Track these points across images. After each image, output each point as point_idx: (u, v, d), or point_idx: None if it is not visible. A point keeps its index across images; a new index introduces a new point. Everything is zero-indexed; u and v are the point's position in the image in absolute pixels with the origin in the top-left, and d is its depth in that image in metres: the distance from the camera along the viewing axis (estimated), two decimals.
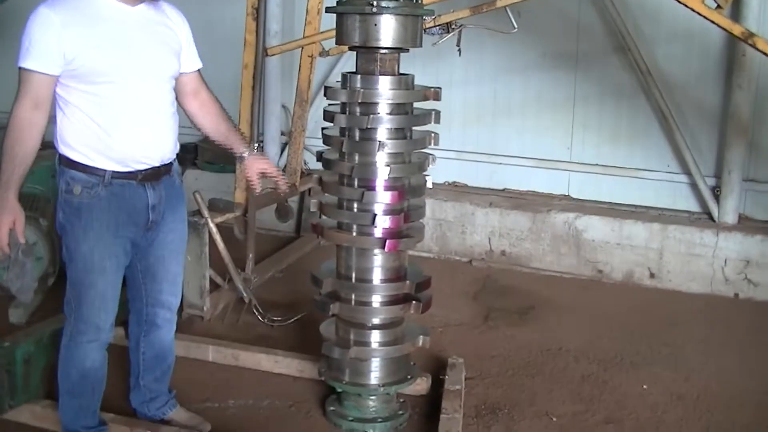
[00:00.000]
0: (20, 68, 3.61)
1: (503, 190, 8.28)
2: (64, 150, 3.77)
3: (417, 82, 4.16)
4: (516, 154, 8.27)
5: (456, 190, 8.26)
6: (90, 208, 3.77)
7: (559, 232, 7.48)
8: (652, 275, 7.20)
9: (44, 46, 3.56)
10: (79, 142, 3.72)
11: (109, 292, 3.92)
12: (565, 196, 8.10)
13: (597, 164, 8.01)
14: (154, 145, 3.84)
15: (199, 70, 4.19)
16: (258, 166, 4.18)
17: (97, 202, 3.77)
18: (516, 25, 6.34)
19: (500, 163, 8.34)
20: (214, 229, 5.95)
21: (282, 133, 8.93)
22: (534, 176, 8.23)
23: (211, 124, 4.23)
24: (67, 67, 3.60)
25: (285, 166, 7.76)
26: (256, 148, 4.50)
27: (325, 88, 4.15)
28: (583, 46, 7.93)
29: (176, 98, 4.12)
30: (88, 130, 3.71)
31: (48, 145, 3.79)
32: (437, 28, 6.11)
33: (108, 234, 3.82)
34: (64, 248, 3.88)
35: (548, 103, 8.15)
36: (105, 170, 3.75)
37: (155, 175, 3.89)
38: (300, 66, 6.93)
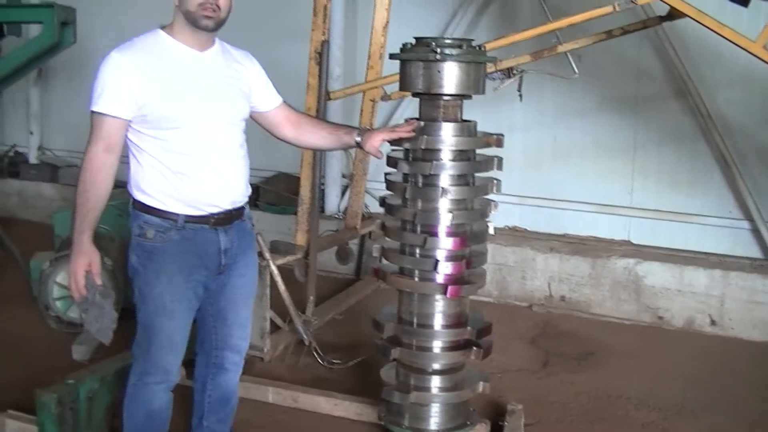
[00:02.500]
0: (92, 112, 3.68)
1: (563, 235, 8.25)
2: (138, 195, 3.83)
3: (478, 126, 4.18)
4: (576, 199, 8.25)
5: (516, 235, 8.25)
6: (163, 252, 3.82)
7: (619, 278, 7.43)
8: (713, 322, 7.11)
9: (116, 91, 3.63)
10: (153, 188, 3.78)
11: (178, 336, 3.96)
12: (625, 241, 8.05)
13: (657, 209, 7.96)
14: (225, 188, 3.90)
15: (284, 101, 4.27)
16: (376, 140, 4.11)
17: (170, 245, 3.82)
18: (576, 70, 6.36)
19: (560, 208, 8.33)
20: (275, 271, 5.99)
21: (343, 176, 9.01)
22: (594, 221, 8.19)
23: (313, 136, 4.29)
24: (139, 112, 3.67)
25: (346, 209, 7.82)
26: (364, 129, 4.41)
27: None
28: (643, 91, 7.92)
29: (272, 133, 4.26)
30: (161, 175, 3.76)
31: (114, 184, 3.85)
32: (498, 73, 6.15)
33: (180, 277, 3.86)
34: (135, 291, 3.92)
35: (608, 148, 8.13)
36: (178, 214, 3.80)
37: (227, 219, 3.94)
38: (362, 110, 7.01)
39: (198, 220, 3.84)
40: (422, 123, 4.08)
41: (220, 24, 3.81)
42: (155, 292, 3.84)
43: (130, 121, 3.70)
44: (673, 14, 5.78)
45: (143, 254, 3.84)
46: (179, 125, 3.73)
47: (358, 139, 4.15)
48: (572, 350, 6.61)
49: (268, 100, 4.20)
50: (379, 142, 4.10)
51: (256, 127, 4.27)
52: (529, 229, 8.43)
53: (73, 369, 4.90)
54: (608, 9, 5.35)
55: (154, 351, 3.92)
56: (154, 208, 3.80)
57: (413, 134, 4.06)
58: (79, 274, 3.71)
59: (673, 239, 7.86)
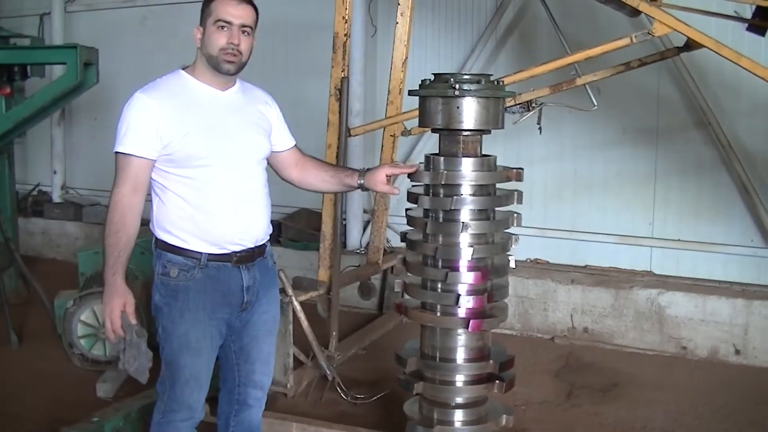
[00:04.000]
0: (117, 153, 3.72)
1: (585, 266, 8.25)
2: (161, 234, 3.86)
3: (498, 158, 4.19)
4: (597, 231, 8.27)
5: (538, 267, 8.25)
6: (186, 290, 3.84)
7: (642, 309, 7.41)
8: (737, 352, 7.08)
9: (142, 131, 3.68)
10: (176, 227, 3.82)
11: (203, 373, 3.98)
12: (647, 272, 8.03)
13: (679, 239, 7.96)
14: (248, 226, 3.93)
15: (295, 144, 4.31)
16: (380, 178, 4.13)
17: (194, 284, 3.84)
18: (596, 102, 6.38)
19: (582, 240, 8.35)
20: (298, 307, 6.03)
21: (365, 211, 9.05)
22: (616, 252, 8.20)
23: (316, 179, 4.32)
24: (164, 151, 3.71)
25: (368, 244, 7.85)
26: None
27: (409, 174, 4.18)
28: (663, 121, 7.94)
29: (279, 174, 4.30)
30: (185, 213, 3.80)
31: None
32: (518, 106, 6.17)
33: (204, 315, 3.88)
34: (159, 329, 3.94)
35: (629, 179, 8.15)
36: (201, 253, 3.83)
37: (250, 257, 3.96)
38: (382, 145, 7.04)
39: (221, 258, 3.87)
40: (422, 166, 4.13)
41: (241, 67, 3.87)
42: (180, 330, 3.87)
43: (155, 160, 3.75)
44: (691, 45, 5.81)
45: (167, 293, 3.86)
46: (205, 163, 3.78)
47: (361, 181, 4.18)
48: (596, 382, 6.59)
49: (284, 142, 4.25)
50: (383, 178, 4.13)
51: None
52: (550, 261, 8.43)
53: (98, 406, 4.96)
54: (626, 41, 5.38)
55: (179, 388, 3.94)
56: (178, 247, 3.83)
57: (414, 170, 4.11)
58: (115, 315, 3.72)
59: (695, 269, 7.85)
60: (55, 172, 11.56)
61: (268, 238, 4.10)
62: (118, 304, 3.73)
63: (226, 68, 3.81)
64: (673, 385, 6.57)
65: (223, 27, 3.78)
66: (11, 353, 7.03)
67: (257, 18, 3.92)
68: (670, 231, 8.01)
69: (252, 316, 4.09)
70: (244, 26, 3.82)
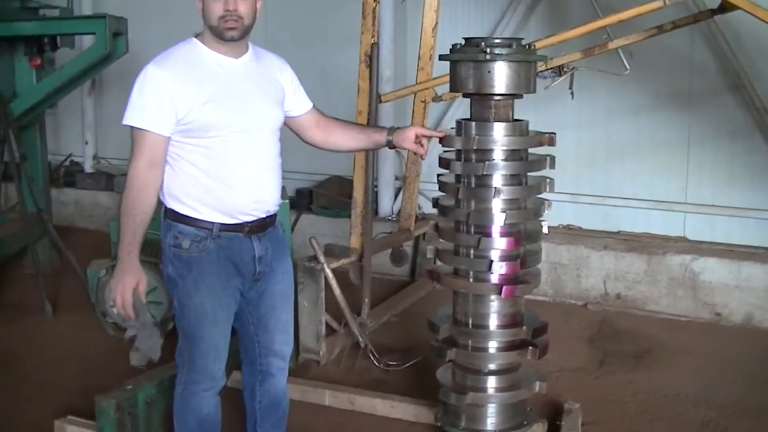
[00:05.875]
0: (133, 127, 3.67)
1: (618, 232, 8.20)
2: (172, 203, 3.83)
3: (529, 124, 4.16)
4: (630, 196, 8.22)
5: (570, 233, 8.22)
6: (200, 262, 3.82)
7: (675, 275, 7.36)
8: None
9: (157, 107, 3.63)
10: (189, 196, 3.79)
11: (221, 343, 3.98)
12: (680, 237, 7.98)
13: (713, 205, 7.89)
14: (261, 197, 3.90)
15: (313, 105, 4.27)
16: (410, 136, 4.12)
17: (207, 255, 3.82)
18: (628, 67, 6.32)
19: (614, 206, 8.29)
20: (330, 275, 6.02)
21: (396, 178, 9.02)
22: (649, 218, 8.15)
23: (343, 137, 4.28)
24: (180, 123, 3.68)
25: (399, 211, 7.83)
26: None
27: (440, 140, 4.15)
28: (697, 85, 7.85)
29: (301, 137, 4.27)
30: (198, 183, 3.77)
31: None
32: (549, 71, 6.13)
33: (218, 286, 3.87)
34: (175, 301, 3.93)
35: (662, 144, 8.07)
36: (213, 223, 3.80)
37: (261, 227, 3.94)
38: (413, 111, 7.01)
39: (233, 228, 3.84)
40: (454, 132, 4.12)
41: (245, 32, 3.80)
42: (196, 302, 3.86)
43: (169, 137, 3.71)
44: (725, 7, 5.71)
45: (180, 265, 3.84)
46: (221, 133, 3.74)
47: (390, 137, 4.15)
48: (629, 349, 6.57)
49: (300, 105, 4.20)
50: (411, 136, 4.11)
51: None
52: (583, 227, 8.39)
53: (131, 375, 4.96)
54: (658, 4, 5.32)
55: (199, 359, 3.95)
56: (189, 217, 3.80)
57: (444, 134, 4.10)
58: (127, 294, 3.69)
59: (730, 234, 7.78)
60: (86, 143, 11.58)
61: (278, 208, 4.06)
62: (130, 282, 3.69)
63: (229, 35, 3.75)
64: (706, 352, 6.53)
65: None
66: (46, 323, 7.09)
67: None
68: (704, 196, 7.94)
69: (267, 286, 4.07)
70: None
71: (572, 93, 6.32)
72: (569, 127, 8.12)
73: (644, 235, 8.08)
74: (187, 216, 3.81)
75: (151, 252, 5.28)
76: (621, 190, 8.26)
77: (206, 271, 3.84)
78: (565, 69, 6.18)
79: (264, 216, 3.95)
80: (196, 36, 3.87)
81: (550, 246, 7.66)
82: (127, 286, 3.69)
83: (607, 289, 7.62)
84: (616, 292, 7.58)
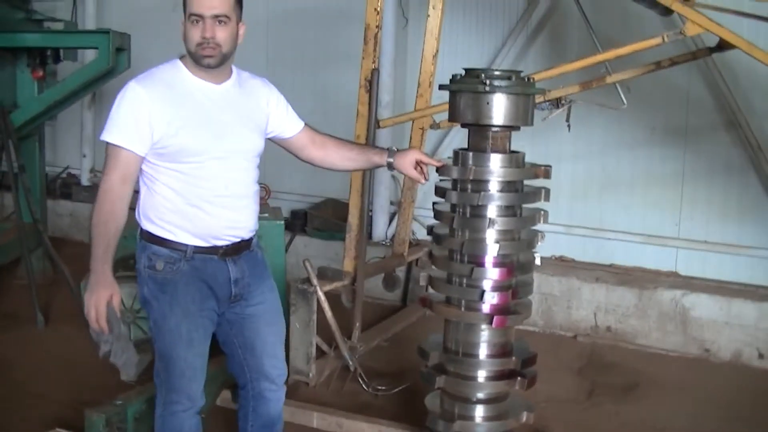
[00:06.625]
0: (108, 143, 3.68)
1: (610, 265, 8.22)
2: (147, 225, 3.84)
3: (527, 155, 4.20)
4: (624, 230, 8.23)
5: (563, 265, 8.24)
6: (174, 283, 3.83)
7: (666, 309, 7.38)
8: (761, 356, 7.03)
9: (133, 125, 3.65)
10: (163, 218, 3.80)
11: (198, 363, 3.97)
12: (672, 272, 7.99)
13: (706, 241, 7.92)
14: (235, 224, 3.91)
15: (306, 124, 4.27)
16: (410, 161, 4.15)
17: (180, 276, 3.83)
18: (625, 101, 6.37)
19: (608, 238, 8.31)
20: (322, 297, 6.05)
21: (391, 203, 9.05)
22: (641, 252, 8.16)
23: (340, 157, 4.29)
24: (155, 146, 3.69)
25: (393, 236, 7.86)
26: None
27: (437, 168, 4.18)
28: (693, 121, 7.90)
29: (297, 156, 4.28)
30: (173, 205, 3.79)
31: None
32: (547, 103, 6.16)
33: (194, 307, 3.87)
34: (151, 322, 3.94)
35: (657, 179, 8.11)
36: (187, 245, 3.82)
37: (235, 250, 3.95)
38: (411, 138, 7.04)
39: (206, 250, 3.86)
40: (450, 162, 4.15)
41: (223, 60, 3.80)
42: (171, 324, 3.86)
43: (144, 156, 3.72)
44: (723, 46, 5.78)
45: (155, 286, 3.85)
46: (196, 159, 3.75)
47: (390, 159, 4.18)
48: (617, 381, 6.59)
49: (290, 126, 4.20)
50: (413, 161, 4.14)
51: None
52: (576, 258, 8.41)
53: (121, 389, 4.98)
54: (657, 40, 5.37)
55: (176, 380, 3.94)
56: (163, 239, 3.82)
57: (441, 164, 4.13)
58: (101, 307, 3.67)
59: (721, 271, 7.80)
60: (84, 156, 11.61)
61: (253, 234, 4.08)
62: (104, 295, 3.67)
63: (206, 62, 3.75)
64: (695, 387, 6.55)
65: (196, 21, 3.71)
66: (37, 333, 7.12)
67: (237, 3, 3.80)
68: (697, 232, 7.97)
69: (247, 309, 4.08)
70: (217, 17, 3.71)
71: (569, 125, 6.35)
72: (565, 159, 8.16)
73: (636, 269, 8.10)
74: (161, 237, 3.82)
75: (132, 267, 5.31)
76: (615, 223, 8.29)
77: (181, 291, 3.84)
78: (563, 101, 6.22)
79: (238, 240, 3.96)
80: (181, 58, 3.87)
81: (542, 277, 7.68)
82: (101, 299, 3.67)
83: (598, 322, 7.64)
84: (606, 325, 7.60)
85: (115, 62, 7.42)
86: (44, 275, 8.27)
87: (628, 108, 6.46)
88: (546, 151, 7.76)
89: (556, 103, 6.23)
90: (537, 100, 5.92)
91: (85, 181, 11.60)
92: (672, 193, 8.03)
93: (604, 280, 7.72)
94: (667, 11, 5.78)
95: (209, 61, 3.74)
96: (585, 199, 8.42)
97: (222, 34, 3.73)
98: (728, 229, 7.84)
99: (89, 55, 8.68)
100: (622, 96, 6.36)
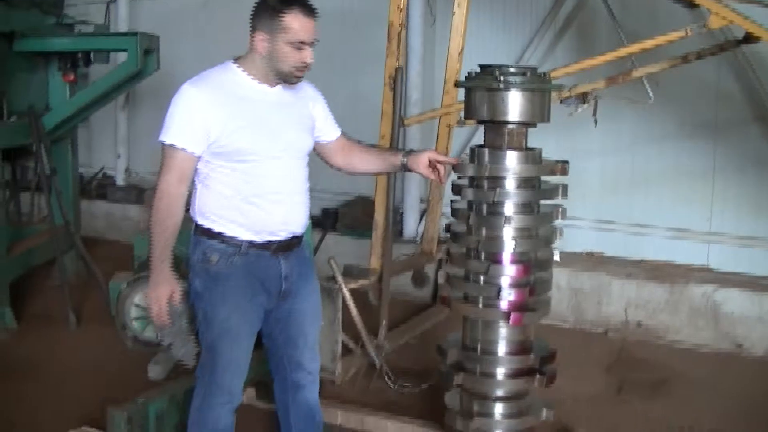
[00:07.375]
0: (164, 143, 3.78)
1: (641, 260, 8.17)
2: (203, 221, 3.93)
3: (553, 151, 4.17)
4: (654, 224, 8.18)
5: (593, 260, 8.19)
6: (227, 276, 3.91)
7: (697, 305, 7.32)
8: None
9: (190, 125, 3.73)
10: (219, 215, 3.89)
11: (243, 358, 4.06)
12: (704, 267, 7.93)
13: (738, 235, 7.85)
14: (289, 219, 4.00)
15: (342, 132, 4.37)
16: (423, 161, 4.17)
17: (234, 270, 3.91)
18: (652, 96, 6.33)
19: (638, 234, 8.25)
20: (347, 295, 6.06)
21: (421, 200, 9.05)
22: (672, 247, 8.10)
23: (362, 161, 4.38)
24: (212, 145, 3.78)
25: (423, 233, 7.86)
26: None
27: (454, 166, 4.18)
28: (722, 115, 7.83)
29: (326, 162, 4.38)
30: (229, 203, 3.87)
31: None
32: (573, 98, 6.14)
33: (244, 300, 3.96)
34: (200, 314, 4.01)
35: (687, 173, 8.05)
36: (242, 240, 3.90)
37: (287, 246, 4.04)
38: (438, 135, 7.04)
39: (260, 246, 3.94)
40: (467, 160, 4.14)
41: None
42: (221, 316, 3.94)
43: (200, 156, 3.81)
44: (751, 38, 5.71)
45: (208, 278, 3.93)
46: (252, 158, 3.84)
47: (404, 159, 4.21)
48: (647, 378, 6.53)
49: (329, 133, 4.31)
50: (425, 160, 4.16)
51: None
52: (606, 254, 8.36)
53: (148, 388, 5.02)
54: (681, 33, 5.34)
55: (220, 374, 4.01)
56: (219, 234, 3.90)
57: (456, 161, 4.16)
58: (162, 303, 3.83)
59: (754, 266, 7.71)
60: (119, 156, 11.73)
61: (305, 229, 4.16)
62: (165, 291, 3.83)
63: (295, 81, 3.93)
64: (725, 384, 6.48)
65: (299, 48, 3.82)
66: (69, 333, 7.22)
67: None
68: (729, 227, 7.90)
69: (294, 306, 4.16)
70: (315, 41, 3.89)
71: (596, 120, 6.32)
72: (593, 154, 8.12)
73: (667, 264, 8.04)
74: (216, 232, 3.91)
75: (177, 268, 5.36)
76: (645, 217, 8.23)
77: (233, 285, 3.93)
78: (589, 97, 6.19)
79: (290, 236, 4.04)
80: (235, 60, 3.96)
81: (572, 272, 7.67)
82: (162, 295, 3.83)
83: (628, 317, 7.59)
84: (636, 321, 7.55)
85: (144, 64, 7.47)
86: (77, 276, 8.38)
87: (656, 102, 6.43)
88: (573, 146, 7.71)
89: (582, 98, 6.20)
90: (563, 96, 5.91)
91: (120, 181, 11.73)
92: (702, 188, 7.97)
93: (634, 276, 7.68)
94: (692, 5, 5.72)
95: (298, 80, 3.95)
96: (615, 195, 8.36)
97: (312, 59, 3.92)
98: (761, 224, 7.75)
99: (121, 57, 8.75)
100: (649, 91, 6.32)
